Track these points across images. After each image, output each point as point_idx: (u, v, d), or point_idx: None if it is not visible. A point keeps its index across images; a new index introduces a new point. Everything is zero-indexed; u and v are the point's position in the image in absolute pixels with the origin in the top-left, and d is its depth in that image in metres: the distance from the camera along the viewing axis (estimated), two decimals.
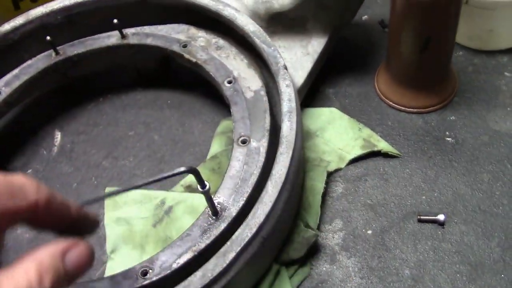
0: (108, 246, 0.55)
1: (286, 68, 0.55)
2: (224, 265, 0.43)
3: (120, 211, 0.57)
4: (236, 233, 0.45)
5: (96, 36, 0.66)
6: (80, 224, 0.38)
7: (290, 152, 0.49)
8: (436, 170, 0.57)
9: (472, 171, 0.57)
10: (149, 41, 0.64)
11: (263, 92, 0.56)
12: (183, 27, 0.65)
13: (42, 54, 0.65)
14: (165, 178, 0.39)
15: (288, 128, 0.50)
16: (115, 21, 0.63)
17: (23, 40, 0.66)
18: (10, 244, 0.57)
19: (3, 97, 0.62)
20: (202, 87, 0.67)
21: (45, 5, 0.66)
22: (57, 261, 0.31)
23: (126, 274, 0.46)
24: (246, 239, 0.44)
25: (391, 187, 0.57)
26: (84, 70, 0.67)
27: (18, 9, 0.72)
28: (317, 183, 0.56)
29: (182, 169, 0.41)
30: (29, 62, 0.65)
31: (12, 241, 0.57)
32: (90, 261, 0.33)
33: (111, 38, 0.66)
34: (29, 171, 0.64)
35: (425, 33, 0.55)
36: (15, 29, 0.65)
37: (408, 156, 0.59)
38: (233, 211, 0.48)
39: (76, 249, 0.32)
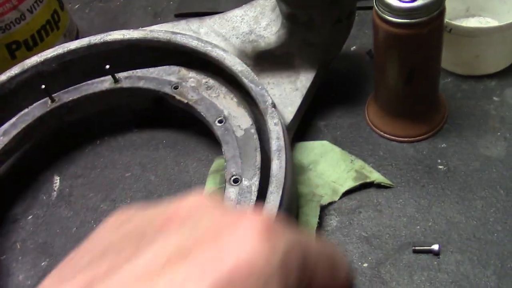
0: None
1: (274, 106, 0.56)
2: None
3: None
4: None
5: (90, 81, 0.67)
6: None
7: (280, 191, 0.49)
8: (429, 199, 0.58)
9: (465, 199, 0.57)
10: (141, 84, 0.65)
11: (253, 130, 0.57)
12: (174, 68, 0.66)
13: (38, 102, 0.67)
14: None
15: (277, 167, 0.51)
16: (107, 66, 0.64)
17: (19, 89, 0.68)
18: None
19: (1, 146, 0.63)
20: (195, 126, 0.68)
21: (39, 54, 0.68)
22: None
23: None
24: None
25: (385, 218, 0.57)
26: (80, 114, 0.69)
27: (14, 59, 0.74)
28: (310, 218, 0.56)
29: None
30: (25, 110, 0.66)
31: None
32: None
33: (105, 83, 0.67)
34: (30, 217, 0.65)
35: (408, 65, 0.56)
36: (11, 79, 0.67)
37: (401, 186, 0.59)
38: None
39: None
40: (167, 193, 0.63)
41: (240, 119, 0.59)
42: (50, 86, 0.66)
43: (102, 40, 0.67)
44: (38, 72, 0.68)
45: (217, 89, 0.62)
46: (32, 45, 0.76)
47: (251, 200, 0.51)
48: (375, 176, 0.59)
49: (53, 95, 0.67)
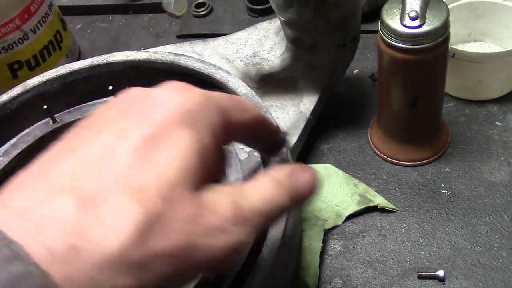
0: None
1: None
2: None
3: None
4: None
5: (92, 102, 0.67)
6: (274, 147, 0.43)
7: (285, 217, 0.49)
8: (434, 224, 0.57)
9: (469, 224, 0.57)
10: None
11: (256, 153, 0.57)
12: None
13: (40, 122, 0.66)
14: None
15: None
16: (110, 87, 0.64)
17: (20, 109, 0.67)
18: None
19: (1, 167, 0.63)
20: None
21: (41, 75, 0.67)
22: (288, 180, 0.32)
23: None
24: None
25: (389, 243, 0.57)
26: None
27: (16, 78, 0.74)
28: (314, 242, 0.56)
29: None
30: (27, 130, 0.66)
31: None
32: (316, 186, 0.34)
33: None
34: None
35: (413, 90, 0.56)
36: (13, 99, 0.66)
37: (405, 211, 0.59)
38: (229, 278, 0.48)
39: (305, 174, 0.33)
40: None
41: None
42: (52, 106, 0.65)
43: (105, 61, 0.67)
44: (40, 92, 0.67)
45: None
46: (34, 65, 0.75)
47: None
48: (379, 200, 0.59)
49: (55, 116, 0.66)
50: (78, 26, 0.95)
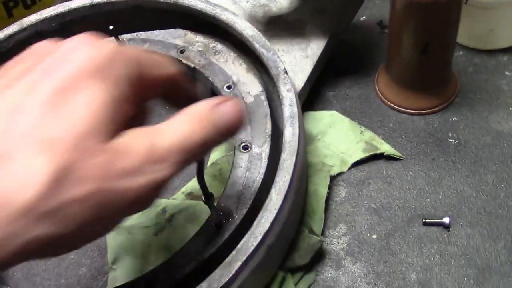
0: (110, 257, 0.54)
1: (286, 72, 0.54)
2: (230, 275, 0.43)
3: None
4: (241, 242, 0.44)
5: None
6: None
7: (294, 159, 0.48)
8: (440, 172, 0.57)
9: (476, 173, 0.56)
10: (146, 47, 0.63)
11: (263, 97, 0.55)
12: (180, 32, 0.64)
13: None
14: None
15: (290, 134, 0.50)
16: (111, 27, 0.62)
17: (17, 48, 0.64)
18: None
19: None
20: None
21: (39, 13, 0.65)
22: (209, 113, 0.32)
23: (131, 286, 0.45)
24: (252, 248, 0.44)
25: (395, 190, 0.56)
26: None
27: (11, 17, 0.71)
28: (320, 188, 0.55)
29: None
30: None
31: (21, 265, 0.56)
32: (241, 117, 0.34)
33: None
34: None
35: (425, 35, 0.54)
36: (9, 37, 0.64)
37: (411, 159, 0.58)
38: (237, 219, 0.47)
39: (227, 103, 0.33)
40: None
41: (249, 85, 0.57)
42: None
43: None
44: (37, 31, 0.65)
45: (225, 54, 0.60)
46: (30, 4, 0.73)
47: (262, 168, 0.50)
48: (385, 147, 0.58)
49: None
50: None
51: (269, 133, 0.52)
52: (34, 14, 0.65)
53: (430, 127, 0.60)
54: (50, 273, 0.54)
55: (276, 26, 0.62)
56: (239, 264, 0.43)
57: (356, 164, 0.58)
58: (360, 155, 0.58)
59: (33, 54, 0.32)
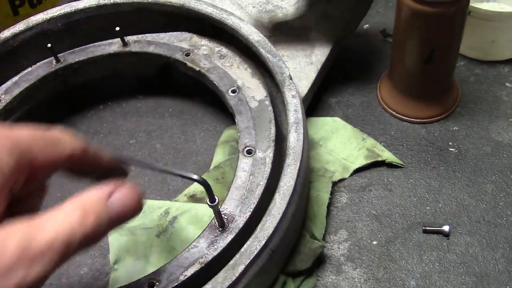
0: (112, 257, 0.54)
1: (291, 78, 0.55)
2: (234, 278, 0.43)
3: None
4: (245, 246, 0.45)
5: (97, 43, 0.65)
6: (112, 173, 0.40)
7: (298, 164, 0.48)
8: (440, 180, 0.57)
9: (475, 182, 0.57)
10: (151, 49, 0.64)
11: (267, 102, 0.56)
12: (186, 35, 0.64)
13: (43, 62, 0.65)
14: (178, 175, 0.41)
15: (295, 140, 0.50)
16: (117, 28, 0.62)
17: (22, 47, 0.65)
18: None
19: (3, 105, 0.61)
20: (202, 95, 0.67)
21: (45, 12, 0.65)
22: (101, 204, 0.31)
23: (132, 287, 0.45)
24: (255, 252, 0.44)
25: (396, 197, 0.57)
26: (85, 77, 0.67)
27: (17, 15, 0.71)
28: (322, 193, 0.56)
29: (195, 176, 0.41)
30: (29, 69, 0.64)
31: None
32: (136, 205, 0.33)
33: (113, 46, 0.65)
34: None
35: (430, 44, 0.55)
36: (15, 36, 0.64)
37: (412, 167, 0.59)
38: (240, 222, 0.48)
39: (120, 192, 0.32)
40: (173, 162, 0.62)
41: (254, 90, 0.57)
42: (55, 46, 0.64)
43: (112, 1, 0.65)
44: (43, 30, 0.65)
45: (231, 58, 0.61)
46: (36, 3, 0.73)
47: (266, 172, 0.51)
48: (387, 155, 0.59)
49: (58, 55, 0.64)
50: None
51: (273, 138, 0.53)
52: (40, 13, 0.65)
53: (431, 136, 0.61)
54: None
55: (281, 32, 0.62)
56: (242, 267, 0.43)
57: (358, 170, 0.59)
58: (362, 161, 0.59)
59: None
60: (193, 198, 0.58)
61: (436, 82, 0.60)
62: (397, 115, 0.63)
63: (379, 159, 0.59)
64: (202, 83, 0.61)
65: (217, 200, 0.44)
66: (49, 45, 0.62)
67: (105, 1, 0.65)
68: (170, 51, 0.63)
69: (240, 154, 0.52)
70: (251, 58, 0.60)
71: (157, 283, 0.45)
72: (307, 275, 0.52)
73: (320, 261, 0.53)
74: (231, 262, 0.44)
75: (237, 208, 0.48)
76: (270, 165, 0.51)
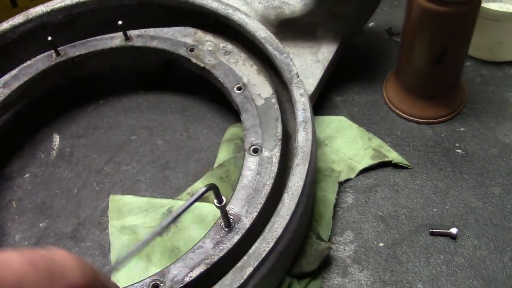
0: (113, 256, 0.53)
1: (298, 76, 0.54)
2: (242, 280, 0.42)
3: (125, 219, 0.55)
4: (253, 247, 0.44)
5: (99, 37, 0.64)
6: None
7: (307, 164, 0.47)
8: (447, 182, 0.57)
9: (483, 184, 0.56)
10: (154, 44, 0.62)
11: (274, 100, 0.55)
12: (190, 30, 0.63)
13: (42, 55, 0.63)
14: (191, 204, 0.39)
15: (303, 139, 0.49)
16: (120, 22, 0.61)
17: (22, 39, 0.64)
18: None
19: (1, 99, 0.60)
20: (205, 92, 0.66)
21: (45, 4, 0.64)
22: None
23: None
24: (264, 254, 0.43)
25: (402, 198, 0.56)
26: (85, 71, 0.65)
27: (15, 7, 0.70)
28: (328, 194, 0.55)
29: (203, 189, 0.40)
30: (28, 62, 0.63)
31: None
32: None
33: (115, 40, 0.64)
34: (27, 175, 0.62)
35: (440, 44, 0.54)
36: (14, 28, 0.63)
37: (418, 168, 0.58)
38: (246, 222, 0.47)
39: None
40: (176, 159, 0.61)
41: (260, 87, 0.56)
42: (55, 39, 0.62)
43: None
44: (43, 23, 0.64)
45: (236, 54, 0.60)
46: None
47: (272, 172, 0.50)
48: (393, 155, 0.58)
49: (58, 49, 0.63)
50: None
51: (280, 136, 0.52)
52: (40, 5, 0.64)
53: (437, 137, 0.60)
54: None
55: (288, 29, 0.61)
56: (251, 269, 0.43)
57: (364, 171, 0.58)
58: (368, 162, 0.58)
59: None
60: None
61: (444, 82, 0.59)
62: (404, 115, 0.62)
63: (386, 159, 0.58)
64: (205, 79, 0.60)
65: (224, 201, 0.43)
66: (49, 38, 0.61)
67: None
68: (173, 46, 0.62)
69: (246, 152, 0.51)
70: (257, 55, 0.59)
71: (161, 284, 0.44)
72: (313, 277, 0.51)
73: (326, 262, 0.52)
74: (238, 264, 0.43)
75: (243, 208, 0.47)
76: (277, 164, 0.50)
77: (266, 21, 0.61)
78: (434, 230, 0.53)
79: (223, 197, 0.43)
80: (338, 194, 0.56)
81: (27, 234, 0.57)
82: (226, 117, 0.64)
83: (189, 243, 0.52)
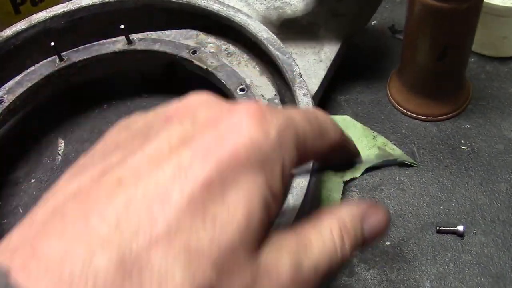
0: None
1: (301, 76, 0.54)
2: None
3: None
4: None
5: (101, 41, 0.64)
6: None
7: (311, 164, 0.47)
8: (453, 179, 0.57)
9: (489, 181, 0.56)
10: (157, 47, 0.62)
11: (277, 101, 0.55)
12: (192, 32, 0.63)
13: (46, 60, 0.63)
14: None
15: None
16: (122, 26, 0.61)
17: (25, 45, 0.64)
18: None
19: (6, 105, 0.60)
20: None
21: (48, 10, 0.64)
22: (358, 225, 0.28)
23: None
24: None
25: (408, 197, 0.56)
26: (89, 76, 0.65)
27: (18, 13, 0.70)
28: (333, 194, 0.55)
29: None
30: (32, 68, 0.63)
31: None
32: (386, 229, 0.29)
33: (117, 44, 0.64)
34: (33, 180, 0.62)
35: (443, 41, 0.54)
36: (17, 34, 0.63)
37: (424, 165, 0.58)
38: None
39: (376, 215, 0.28)
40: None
41: (263, 88, 0.56)
42: (58, 44, 0.62)
43: None
44: (46, 28, 0.64)
45: (238, 56, 0.60)
46: (38, 1, 0.72)
47: None
48: (398, 153, 0.58)
49: (61, 54, 0.63)
50: None
51: None
52: (43, 11, 0.64)
53: (442, 134, 0.60)
54: None
55: (290, 29, 0.61)
56: None
57: (369, 169, 0.58)
58: (373, 160, 0.58)
59: (190, 119, 0.25)
60: None
61: (448, 79, 0.59)
62: (408, 113, 0.62)
63: (391, 158, 0.58)
64: (208, 82, 0.60)
65: None
66: (52, 43, 0.61)
67: None
68: (176, 49, 0.62)
69: None
70: (259, 56, 0.59)
71: None
72: None
73: None
74: None
75: None
76: None
77: (267, 22, 0.61)
78: (440, 228, 0.53)
79: None
80: (343, 193, 0.56)
81: None
82: None
83: None
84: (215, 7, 0.60)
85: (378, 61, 0.68)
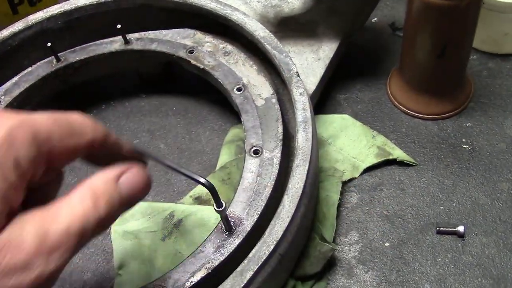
0: (116, 262, 0.53)
1: (298, 75, 0.53)
2: (242, 284, 0.41)
3: (127, 224, 0.55)
4: (253, 251, 0.43)
5: (98, 41, 0.64)
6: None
7: (307, 165, 0.47)
8: (454, 179, 0.56)
9: (490, 180, 0.55)
10: (154, 46, 0.62)
11: (274, 100, 0.54)
12: (189, 31, 0.63)
13: (43, 61, 0.63)
14: (188, 176, 0.38)
15: (303, 139, 0.48)
16: (119, 26, 0.61)
17: (22, 46, 0.64)
18: None
19: (3, 106, 0.60)
20: (207, 94, 0.65)
21: (45, 10, 0.63)
22: (111, 186, 0.31)
23: None
24: (264, 257, 0.42)
25: (408, 197, 0.55)
26: (86, 76, 0.65)
27: (16, 14, 0.70)
28: (332, 194, 0.54)
29: (203, 180, 0.38)
30: (29, 69, 0.63)
31: None
32: (145, 184, 0.33)
33: (114, 44, 0.63)
34: None
35: (442, 38, 0.53)
36: (14, 35, 0.63)
37: (424, 165, 0.57)
38: (247, 226, 0.46)
39: (129, 173, 0.32)
40: (178, 162, 0.61)
41: (260, 87, 0.56)
42: (55, 44, 0.62)
43: None
44: (42, 29, 0.64)
45: (235, 55, 0.59)
46: (36, 1, 0.71)
47: (273, 173, 0.49)
48: (398, 153, 0.57)
49: (58, 54, 0.63)
50: None
51: (281, 137, 0.51)
52: (40, 11, 0.64)
53: (443, 133, 0.59)
54: None
55: (287, 27, 0.61)
56: (251, 273, 0.42)
57: (368, 169, 0.57)
58: (372, 160, 0.57)
59: None
60: (199, 200, 0.56)
61: (448, 77, 0.58)
62: (408, 111, 0.61)
63: (390, 157, 0.57)
64: (207, 81, 0.60)
65: (224, 205, 0.42)
66: (49, 44, 0.61)
67: None
68: (173, 49, 0.61)
69: (246, 154, 0.50)
70: (256, 54, 0.59)
71: None
72: (317, 279, 0.50)
73: (330, 264, 0.51)
74: (238, 268, 0.42)
75: (244, 211, 0.47)
76: (277, 165, 0.49)
77: (265, 20, 0.60)
78: (441, 229, 0.52)
79: (222, 201, 0.42)
80: (342, 194, 0.55)
81: None
82: (228, 119, 0.63)
83: (191, 247, 0.52)
84: (211, 5, 0.59)
85: (378, 58, 0.67)
